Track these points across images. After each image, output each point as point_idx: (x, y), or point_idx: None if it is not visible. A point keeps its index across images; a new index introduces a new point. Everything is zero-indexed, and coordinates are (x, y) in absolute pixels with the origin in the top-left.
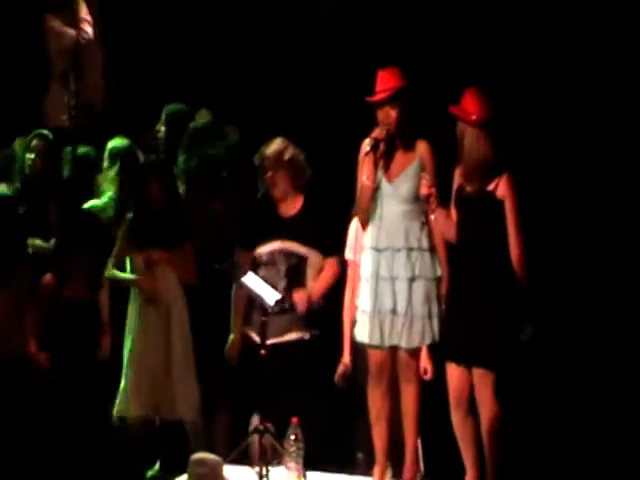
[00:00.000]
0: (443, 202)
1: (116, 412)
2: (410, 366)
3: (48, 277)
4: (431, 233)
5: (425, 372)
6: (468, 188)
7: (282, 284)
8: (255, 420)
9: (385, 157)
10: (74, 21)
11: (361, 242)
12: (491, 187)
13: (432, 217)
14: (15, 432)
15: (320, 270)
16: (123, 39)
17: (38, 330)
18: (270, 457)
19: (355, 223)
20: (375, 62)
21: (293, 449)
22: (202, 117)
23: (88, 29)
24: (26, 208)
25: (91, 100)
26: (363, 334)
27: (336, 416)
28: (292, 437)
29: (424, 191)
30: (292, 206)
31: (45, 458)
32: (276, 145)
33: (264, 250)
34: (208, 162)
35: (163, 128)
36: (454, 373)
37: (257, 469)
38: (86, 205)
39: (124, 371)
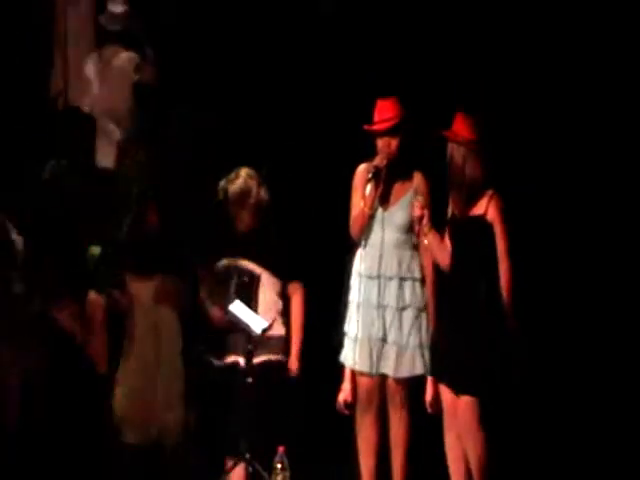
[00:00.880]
0: (437, 230)
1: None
2: (400, 394)
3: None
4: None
5: (431, 405)
6: (457, 212)
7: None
8: (229, 462)
9: (382, 186)
10: None
11: None
12: (481, 211)
13: (424, 240)
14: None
15: (279, 293)
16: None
17: None
18: None
19: None
20: (355, 90)
21: (279, 478)
22: None
23: None
24: None
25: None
26: (352, 360)
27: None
28: (279, 466)
29: (416, 212)
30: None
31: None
32: (241, 184)
33: (220, 265)
34: None
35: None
36: (447, 395)
37: None
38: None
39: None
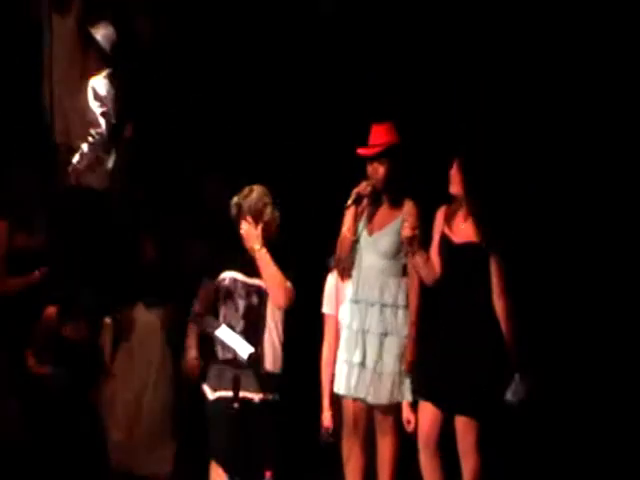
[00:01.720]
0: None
1: None
2: (386, 419)
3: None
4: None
5: (408, 422)
6: (453, 238)
7: (239, 326)
8: None
9: (370, 211)
10: None
11: (340, 296)
12: (472, 237)
13: (412, 260)
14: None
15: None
16: None
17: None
18: None
19: (334, 277)
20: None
21: None
22: None
23: None
24: None
25: None
26: (337, 384)
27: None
28: None
29: (406, 232)
30: None
31: None
32: (256, 200)
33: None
34: None
35: None
36: (427, 413)
37: None
38: None
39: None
